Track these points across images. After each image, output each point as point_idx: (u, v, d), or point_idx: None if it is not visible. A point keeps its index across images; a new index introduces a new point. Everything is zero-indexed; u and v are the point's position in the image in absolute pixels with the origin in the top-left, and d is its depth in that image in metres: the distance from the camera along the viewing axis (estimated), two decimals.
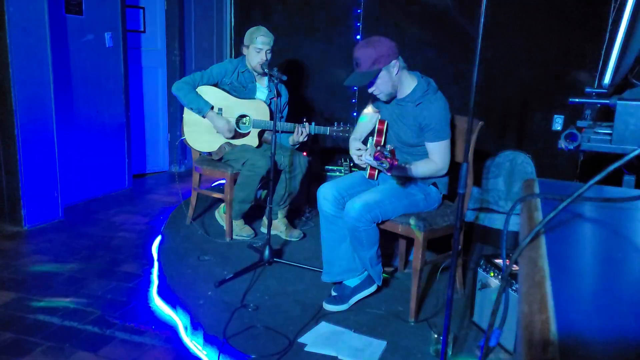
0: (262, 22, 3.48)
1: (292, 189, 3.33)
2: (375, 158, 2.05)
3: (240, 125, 3.30)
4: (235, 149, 3.27)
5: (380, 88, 2.37)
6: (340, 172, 4.14)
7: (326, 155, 4.44)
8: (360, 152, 2.44)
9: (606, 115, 1.58)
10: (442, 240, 2.59)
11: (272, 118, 3.24)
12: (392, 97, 2.46)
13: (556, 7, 3.77)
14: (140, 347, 2.24)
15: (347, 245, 2.49)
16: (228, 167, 3.26)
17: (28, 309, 2.49)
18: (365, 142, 2.55)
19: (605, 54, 3.42)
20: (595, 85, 1.56)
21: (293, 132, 3.18)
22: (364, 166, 2.52)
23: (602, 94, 1.52)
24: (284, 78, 2.83)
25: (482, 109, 3.91)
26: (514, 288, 2.02)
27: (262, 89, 3.38)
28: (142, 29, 4.83)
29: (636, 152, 0.71)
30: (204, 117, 3.20)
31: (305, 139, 3.20)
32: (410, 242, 2.69)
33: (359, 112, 4.05)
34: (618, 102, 1.39)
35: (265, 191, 3.66)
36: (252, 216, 3.57)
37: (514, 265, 0.73)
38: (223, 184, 3.41)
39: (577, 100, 1.57)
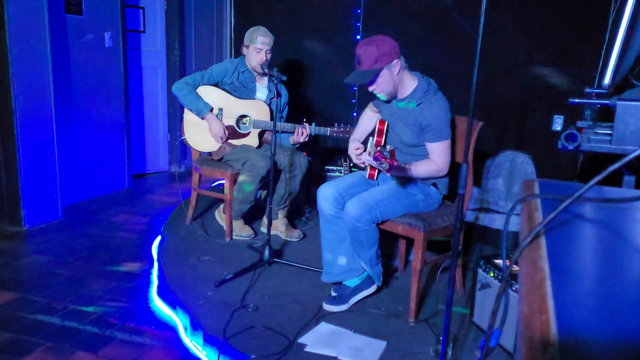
0: (262, 22, 3.48)
1: (292, 189, 3.33)
2: (375, 158, 2.05)
3: (241, 125, 3.30)
4: (235, 149, 3.27)
5: (381, 87, 2.37)
6: (340, 172, 4.14)
7: (326, 155, 4.44)
8: (358, 152, 2.44)
9: (606, 115, 1.58)
10: (442, 240, 2.59)
11: (272, 118, 3.24)
12: (392, 97, 2.46)
13: (556, 7, 3.77)
14: (140, 347, 2.24)
15: (347, 246, 2.49)
16: (228, 167, 3.26)
17: (28, 309, 2.49)
18: (365, 142, 2.55)
19: (605, 54, 3.42)
20: (595, 85, 1.56)
21: (293, 133, 3.19)
22: (363, 166, 2.52)
23: (602, 95, 1.52)
24: (284, 78, 2.83)
25: (482, 109, 3.91)
26: (514, 288, 2.02)
27: (262, 89, 3.38)
28: (142, 29, 4.83)
29: (636, 153, 0.71)
30: (202, 118, 3.20)
31: (306, 140, 3.20)
32: (410, 242, 2.69)
33: (359, 112, 4.05)
34: (618, 102, 1.39)
35: (265, 191, 3.66)
36: (252, 216, 3.57)
37: (514, 266, 0.73)
38: (223, 184, 3.41)
39: (577, 100, 1.57)
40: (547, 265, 0.61)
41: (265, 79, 3.34)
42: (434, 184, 2.51)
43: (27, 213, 3.49)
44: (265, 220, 3.39)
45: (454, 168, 2.39)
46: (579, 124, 1.58)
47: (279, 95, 2.94)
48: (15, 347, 2.19)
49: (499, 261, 2.25)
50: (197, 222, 3.63)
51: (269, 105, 3.30)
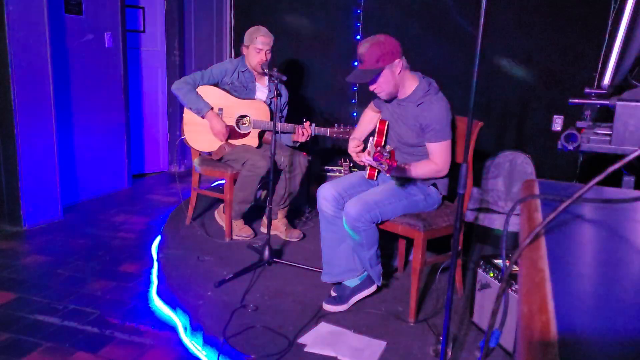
0: (262, 22, 3.48)
1: (292, 189, 3.33)
2: (375, 159, 2.05)
3: (240, 125, 3.30)
4: (235, 149, 3.27)
5: (382, 86, 2.38)
6: (340, 172, 4.14)
7: (326, 155, 4.44)
8: (358, 149, 2.44)
9: (606, 115, 1.58)
10: (442, 240, 2.59)
11: (272, 118, 3.24)
12: (393, 97, 2.46)
13: (556, 7, 3.77)
14: (140, 347, 2.24)
15: (346, 246, 2.49)
16: (228, 167, 3.26)
17: (28, 309, 2.49)
18: (365, 142, 2.55)
19: (605, 55, 3.42)
20: (595, 85, 1.56)
21: (293, 133, 3.19)
22: (363, 165, 2.52)
23: (602, 95, 1.52)
24: (284, 78, 2.83)
25: (482, 109, 3.91)
26: (513, 288, 2.02)
27: (262, 88, 3.38)
28: (141, 29, 4.83)
29: (636, 153, 0.71)
30: (203, 117, 3.20)
31: (307, 140, 3.20)
32: (410, 242, 2.69)
33: (359, 112, 4.06)
34: (618, 102, 1.39)
35: (265, 191, 3.66)
36: (251, 216, 3.57)
37: (514, 266, 0.73)
38: (223, 184, 3.41)
39: (576, 101, 1.57)
40: (547, 266, 0.61)
41: (265, 79, 3.34)
42: (434, 185, 2.51)
43: (26, 213, 3.49)
44: (265, 220, 3.39)
45: (454, 168, 2.39)
46: (579, 124, 1.58)
47: (279, 95, 2.94)
48: (15, 347, 2.19)
49: (498, 261, 2.25)
50: (197, 222, 3.63)
51: (269, 105, 3.30)
